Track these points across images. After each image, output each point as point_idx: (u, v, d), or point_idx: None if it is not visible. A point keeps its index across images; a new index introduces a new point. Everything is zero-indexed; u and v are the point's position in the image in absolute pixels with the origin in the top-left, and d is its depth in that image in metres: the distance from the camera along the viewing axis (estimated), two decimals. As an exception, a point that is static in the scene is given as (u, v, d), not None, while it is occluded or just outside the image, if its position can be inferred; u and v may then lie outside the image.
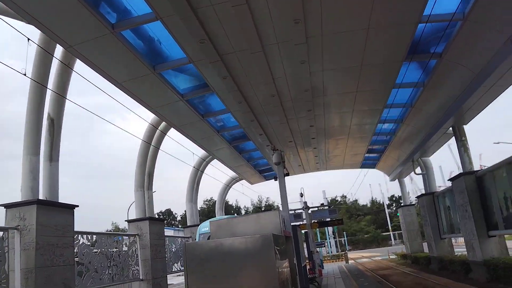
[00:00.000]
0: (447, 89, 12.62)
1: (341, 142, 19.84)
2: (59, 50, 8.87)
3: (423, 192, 21.34)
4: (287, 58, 9.78)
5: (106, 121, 12.13)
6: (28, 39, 6.22)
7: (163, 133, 14.75)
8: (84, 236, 10.86)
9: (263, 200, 77.11)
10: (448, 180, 17.89)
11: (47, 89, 9.11)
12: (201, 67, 9.69)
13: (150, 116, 14.30)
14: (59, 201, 9.91)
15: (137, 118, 14.66)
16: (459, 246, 27.24)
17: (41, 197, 9.78)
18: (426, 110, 14.47)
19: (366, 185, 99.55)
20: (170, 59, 9.54)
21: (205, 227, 15.79)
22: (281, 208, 10.18)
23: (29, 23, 6.94)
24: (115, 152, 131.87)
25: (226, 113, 13.33)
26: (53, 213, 8.98)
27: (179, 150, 16.92)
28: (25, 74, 6.20)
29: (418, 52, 10.88)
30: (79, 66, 9.62)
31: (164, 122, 13.99)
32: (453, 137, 15.22)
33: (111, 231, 65.87)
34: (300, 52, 9.48)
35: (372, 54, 10.32)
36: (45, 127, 9.88)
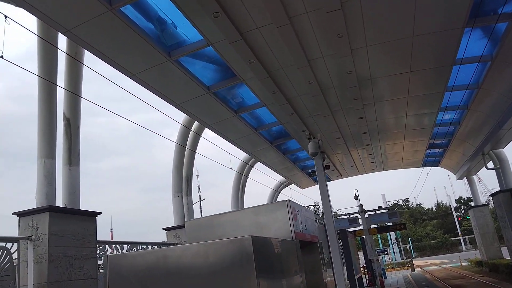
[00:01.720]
0: (523, 60, 10.47)
1: (398, 137, 17.79)
2: (63, 42, 8.14)
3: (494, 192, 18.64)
4: (321, 31, 8.32)
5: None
6: (6, 16, 5.38)
7: (197, 134, 13.80)
8: (113, 246, 10.07)
9: (319, 206, 74.49)
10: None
11: (57, 86, 8.42)
12: (222, 50, 8.50)
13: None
14: (81, 208, 9.24)
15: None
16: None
17: (60, 204, 9.14)
18: (497, 89, 12.26)
19: (430, 188, 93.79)
20: (186, 43, 8.47)
21: None
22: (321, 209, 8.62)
23: (17, 6, 6.17)
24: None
25: (261, 107, 12.04)
26: (70, 221, 8.20)
27: (222, 155, 15.85)
28: (1, 57, 5.35)
29: (482, 15, 8.98)
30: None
31: (196, 122, 13.04)
32: (533, 120, 12.83)
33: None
34: (336, 22, 7.97)
35: (424, 20, 8.56)
36: (61, 129, 9.28)
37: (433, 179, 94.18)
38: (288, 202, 5.57)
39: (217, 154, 14.81)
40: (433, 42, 9.53)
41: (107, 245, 9.74)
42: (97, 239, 8.99)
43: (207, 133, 13.97)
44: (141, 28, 7.60)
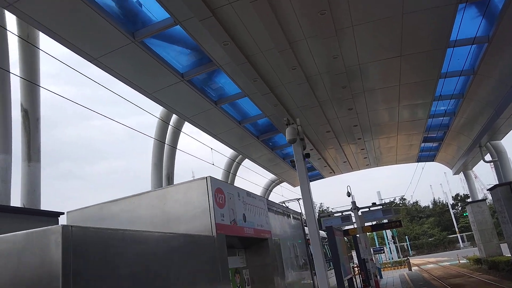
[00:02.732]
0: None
1: (391, 130, 17.01)
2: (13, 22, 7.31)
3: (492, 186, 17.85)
4: (301, 7, 7.53)
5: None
6: None
7: (177, 129, 12.96)
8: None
9: (316, 205, 73.62)
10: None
11: (10, 73, 7.59)
12: (192, 30, 7.68)
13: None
14: (42, 208, 8.43)
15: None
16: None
17: (18, 204, 8.32)
18: (494, 75, 11.50)
19: (426, 186, 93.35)
20: (152, 22, 7.64)
21: None
22: (302, 204, 7.76)
23: None
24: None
25: (242, 97, 11.20)
26: (26, 222, 7.37)
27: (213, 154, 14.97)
28: None
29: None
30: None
31: (175, 115, 12.20)
32: (533, 108, 12.07)
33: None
34: (317, -4, 7.21)
35: (415, -4, 7.83)
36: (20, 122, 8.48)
37: (429, 177, 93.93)
38: (208, 180, 3.80)
39: (210, 153, 13.94)
40: (425, 21, 8.77)
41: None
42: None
43: (201, 132, 12.97)
44: (100, 6, 6.78)
